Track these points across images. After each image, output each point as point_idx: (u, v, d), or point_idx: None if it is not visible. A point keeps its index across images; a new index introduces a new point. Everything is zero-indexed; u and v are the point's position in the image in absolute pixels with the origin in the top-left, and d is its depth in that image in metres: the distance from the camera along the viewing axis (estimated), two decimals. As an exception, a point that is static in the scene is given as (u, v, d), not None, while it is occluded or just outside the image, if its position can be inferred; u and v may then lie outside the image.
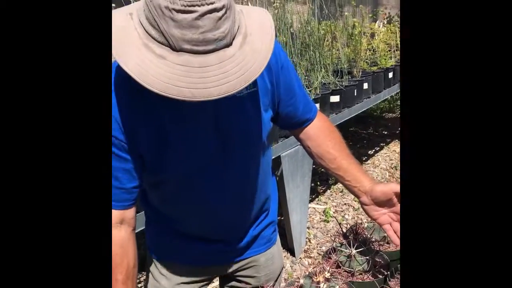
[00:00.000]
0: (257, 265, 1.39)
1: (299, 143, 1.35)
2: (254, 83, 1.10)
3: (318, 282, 1.10)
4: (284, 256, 2.97)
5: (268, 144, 1.30)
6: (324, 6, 3.45)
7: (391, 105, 7.04)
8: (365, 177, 1.20)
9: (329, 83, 3.12)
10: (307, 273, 1.16)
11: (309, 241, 3.14)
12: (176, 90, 0.83)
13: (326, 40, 3.47)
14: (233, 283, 1.42)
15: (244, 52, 0.87)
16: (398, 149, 5.20)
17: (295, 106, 1.23)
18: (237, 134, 1.13)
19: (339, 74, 3.28)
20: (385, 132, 5.91)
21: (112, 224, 1.04)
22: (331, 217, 3.44)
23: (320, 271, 1.14)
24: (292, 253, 2.96)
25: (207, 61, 0.84)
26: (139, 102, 1.00)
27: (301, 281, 1.14)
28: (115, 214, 1.06)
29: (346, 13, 3.75)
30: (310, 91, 2.77)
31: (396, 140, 5.53)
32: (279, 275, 1.48)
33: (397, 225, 1.15)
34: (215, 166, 1.14)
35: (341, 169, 1.22)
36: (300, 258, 2.93)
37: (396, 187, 1.12)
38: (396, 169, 4.51)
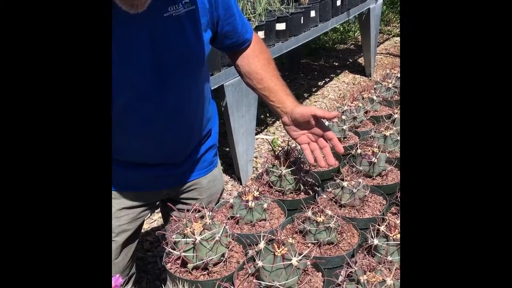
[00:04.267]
0: (199, 187, 1.41)
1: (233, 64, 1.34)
2: (192, 1, 1.06)
3: (247, 201, 1.12)
4: (231, 185, 3.03)
5: (208, 69, 1.28)
6: None
7: (343, 36, 7.03)
8: (289, 99, 1.22)
9: (275, 10, 3.04)
10: (237, 193, 1.18)
11: (256, 169, 3.20)
12: None
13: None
14: (176, 206, 1.43)
15: None
16: (347, 80, 5.26)
17: (233, 25, 1.21)
18: (175, 55, 1.09)
19: (285, 1, 3.19)
20: (336, 63, 5.94)
21: None
22: (279, 146, 3.49)
23: (249, 190, 1.16)
24: (240, 182, 3.02)
25: None
26: None
27: (231, 200, 1.16)
28: None
29: None
30: (254, 17, 2.69)
31: (346, 70, 5.58)
32: (219, 196, 1.50)
33: (314, 145, 1.21)
34: (152, 91, 1.10)
35: (267, 90, 1.24)
36: (247, 186, 3.00)
37: (315, 110, 1.16)
38: (344, 99, 4.58)
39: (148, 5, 0.97)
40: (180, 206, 1.42)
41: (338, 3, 3.78)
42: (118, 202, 1.30)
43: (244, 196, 1.14)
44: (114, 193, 1.29)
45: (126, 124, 1.14)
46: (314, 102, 4.58)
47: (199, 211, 1.04)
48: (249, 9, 2.71)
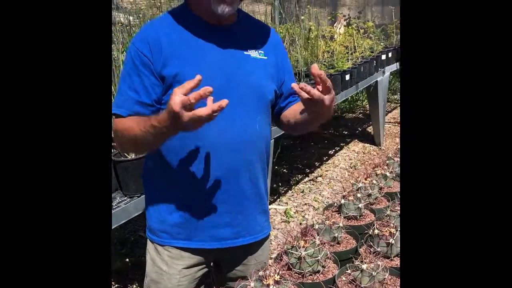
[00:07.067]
0: (250, 253, 1.46)
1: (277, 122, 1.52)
2: (267, 54, 1.34)
3: (268, 285, 1.13)
4: (245, 258, 3.00)
5: (270, 129, 1.43)
6: (282, 11, 3.51)
7: (351, 106, 7.21)
8: None
9: (287, 86, 3.17)
10: (257, 275, 1.19)
11: (270, 242, 3.18)
12: None
13: (284, 42, 3.53)
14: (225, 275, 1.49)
15: None
16: (357, 149, 5.34)
17: (288, 88, 1.45)
18: (247, 82, 1.29)
19: (297, 77, 3.34)
20: (345, 132, 6.05)
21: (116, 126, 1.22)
22: (291, 217, 3.49)
23: (270, 274, 1.17)
24: (253, 254, 2.99)
25: None
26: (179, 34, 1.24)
27: (252, 284, 1.17)
28: (119, 120, 1.22)
29: (302, 17, 3.81)
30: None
31: (356, 140, 5.67)
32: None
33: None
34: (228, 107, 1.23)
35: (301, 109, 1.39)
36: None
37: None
38: (355, 169, 4.63)
39: (233, 43, 1.28)
40: (228, 275, 1.49)
41: (347, 77, 3.93)
42: (177, 262, 1.37)
43: (265, 280, 1.15)
44: (174, 252, 1.36)
45: (194, 140, 1.25)
46: (326, 171, 4.62)
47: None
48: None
